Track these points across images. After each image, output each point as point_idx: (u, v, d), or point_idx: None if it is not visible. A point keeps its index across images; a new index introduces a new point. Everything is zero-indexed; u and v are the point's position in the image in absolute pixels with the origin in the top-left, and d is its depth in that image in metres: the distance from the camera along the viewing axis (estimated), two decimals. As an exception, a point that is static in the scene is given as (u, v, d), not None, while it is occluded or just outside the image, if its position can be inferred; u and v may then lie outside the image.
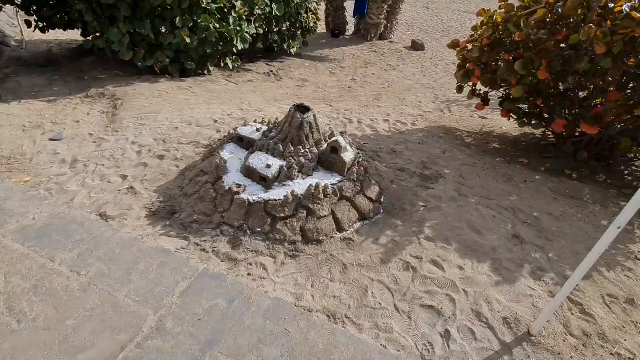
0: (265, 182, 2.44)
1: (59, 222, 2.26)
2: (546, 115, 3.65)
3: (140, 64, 5.14)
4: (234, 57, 5.91)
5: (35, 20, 5.67)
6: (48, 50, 6.88)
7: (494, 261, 2.29)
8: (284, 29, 7.10)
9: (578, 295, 2.12)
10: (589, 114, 2.97)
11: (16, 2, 5.37)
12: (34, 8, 5.55)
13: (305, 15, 7.05)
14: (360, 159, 2.70)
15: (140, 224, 2.43)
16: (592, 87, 3.13)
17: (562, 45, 3.01)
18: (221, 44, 5.42)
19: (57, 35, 7.72)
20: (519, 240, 2.51)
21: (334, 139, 2.52)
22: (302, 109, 2.60)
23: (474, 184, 3.23)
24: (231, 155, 2.73)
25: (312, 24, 7.41)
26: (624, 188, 3.38)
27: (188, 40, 4.99)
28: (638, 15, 2.43)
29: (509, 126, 4.88)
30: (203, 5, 4.94)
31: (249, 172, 2.51)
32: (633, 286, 2.24)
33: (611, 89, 3.03)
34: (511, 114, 3.81)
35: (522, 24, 2.97)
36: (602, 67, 2.75)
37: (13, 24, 7.93)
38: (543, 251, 2.44)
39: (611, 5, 2.65)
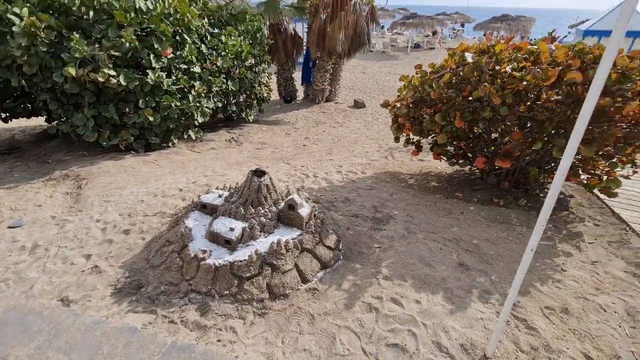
0: (229, 244, 2.39)
1: (15, 315, 2.02)
2: (469, 155, 4.00)
3: (105, 143, 5.03)
4: (196, 128, 5.99)
5: (-3, 112, 5.47)
6: (11, 137, 6.56)
7: (445, 291, 2.34)
8: (240, 100, 7.38)
9: (521, 311, 2.20)
10: (501, 151, 3.31)
11: (-23, 97, 5.19)
12: (-4, 101, 5.38)
13: (258, 87, 7.43)
14: (317, 212, 2.75)
15: (105, 303, 2.23)
16: (499, 129, 3.52)
17: (470, 98, 3.41)
18: (183, 118, 5.51)
19: (20, 122, 7.43)
20: (464, 267, 2.60)
21: (290, 197, 2.57)
22: (259, 173, 2.66)
23: (420, 220, 3.37)
24: (196, 223, 2.67)
25: (265, 94, 7.79)
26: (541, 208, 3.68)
27: (151, 118, 5.02)
28: (517, 74, 2.87)
29: (443, 166, 5.24)
30: (164, 88, 5.07)
31: (214, 237, 2.45)
32: (564, 296, 2.37)
33: (515, 129, 3.43)
34: (441, 156, 4.13)
35: (434, 86, 3.36)
36: (501, 114, 3.14)
37: (-26, 116, 7.56)
38: (486, 275, 2.54)
39: (497, 67, 3.11)
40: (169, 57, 5.16)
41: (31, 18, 4.17)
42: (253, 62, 7.15)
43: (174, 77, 5.29)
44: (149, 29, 5.03)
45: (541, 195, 4.03)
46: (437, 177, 4.85)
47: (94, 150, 5.43)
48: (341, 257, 2.64)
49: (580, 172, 3.36)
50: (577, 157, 3.21)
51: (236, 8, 6.83)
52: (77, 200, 3.77)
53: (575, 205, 3.82)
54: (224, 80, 6.12)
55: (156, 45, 4.98)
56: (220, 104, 6.31)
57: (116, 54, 4.68)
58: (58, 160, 5.11)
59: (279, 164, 5.36)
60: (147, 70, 4.91)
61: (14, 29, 4.10)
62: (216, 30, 6.53)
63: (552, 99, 2.86)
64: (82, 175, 4.41)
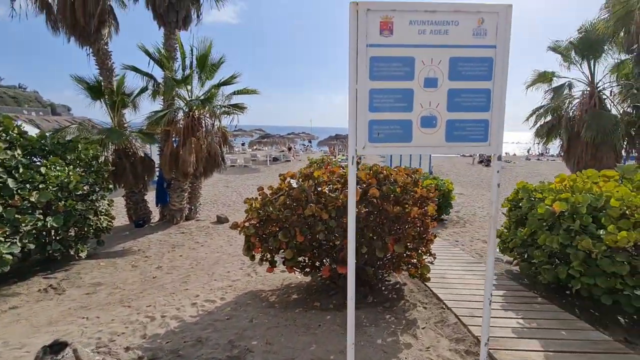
0: None
1: None
2: (318, 264, 4.27)
3: None
4: (-12, 284, 4.46)
5: None
6: None
7: None
8: (70, 234, 6.15)
9: None
10: (339, 258, 3.68)
11: None
12: None
13: (95, 217, 6.44)
14: (145, 378, 2.23)
15: None
16: (333, 238, 3.98)
17: (305, 215, 3.82)
18: (-36, 275, 4.06)
19: None
20: (322, 395, 2.46)
21: (103, 370, 2.02)
22: (58, 347, 2.05)
23: (280, 346, 3.17)
24: None
25: (105, 224, 6.78)
26: (385, 302, 4.10)
27: None
28: (333, 195, 3.46)
29: (301, 276, 5.40)
30: None
31: None
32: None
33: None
34: (294, 269, 4.26)
35: (271, 208, 3.65)
36: (331, 226, 3.59)
37: None
38: (343, 396, 2.46)
39: (319, 189, 3.69)
40: (-53, 198, 4.00)
41: None
42: (87, 190, 6.31)
43: (-47, 223, 4.04)
44: None
45: (383, 288, 4.54)
46: (297, 288, 4.89)
47: None
48: None
49: (402, 264, 4.02)
50: (395, 253, 3.86)
51: (65, 136, 6.23)
52: None
53: (408, 292, 4.43)
54: (41, 216, 5.07)
55: None
56: (33, 245, 5.05)
57: None
58: None
59: (116, 310, 4.38)
60: None
61: None
62: (38, 161, 5.68)
63: (363, 211, 3.51)
64: None
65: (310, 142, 36.65)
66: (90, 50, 9.65)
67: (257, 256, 4.59)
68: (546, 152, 33.53)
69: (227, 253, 7.27)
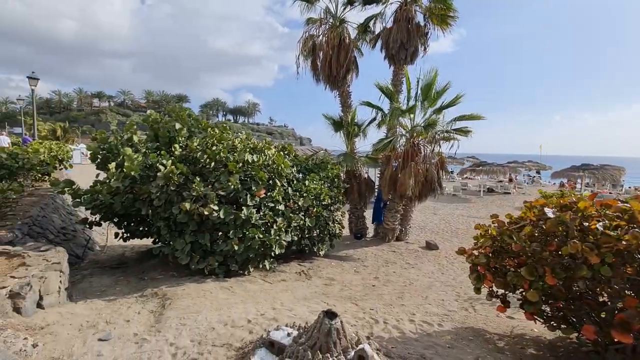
0: (292, 395, 2.22)
1: None
2: (573, 319, 3.39)
3: (193, 266, 5.64)
4: (271, 259, 6.41)
5: (122, 232, 6.75)
6: (122, 253, 7.81)
7: None
8: (314, 235, 7.90)
9: None
10: (615, 320, 2.78)
11: (114, 220, 6.58)
12: (125, 224, 6.74)
13: (332, 224, 7.98)
14: (389, 369, 2.48)
15: None
16: (605, 292, 3.05)
17: (559, 253, 3.16)
18: (262, 249, 6.03)
19: (132, 241, 8.91)
20: None
21: (360, 346, 2.43)
22: (330, 315, 2.65)
23: (519, 401, 2.72)
24: (261, 362, 2.61)
25: (337, 231, 8.25)
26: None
27: (236, 247, 5.63)
28: (612, 233, 2.68)
29: (541, 328, 4.43)
30: (252, 222, 5.84)
31: (277, 383, 2.33)
32: None
33: (629, 294, 2.92)
34: (535, 317, 3.58)
35: (514, 237, 3.26)
36: (603, 274, 2.79)
37: (102, 233, 9.36)
38: None
39: (586, 224, 2.96)
40: (261, 197, 6.13)
41: (171, 167, 5.59)
42: (329, 202, 7.94)
43: (261, 213, 6.13)
44: (250, 175, 6.24)
45: (696, 390, 3.00)
46: (534, 343, 4.06)
47: (182, 271, 6.06)
48: None
49: None
50: None
51: (319, 158, 8.16)
52: (158, 320, 4.05)
53: None
54: (303, 217, 6.81)
55: (253, 188, 6.04)
56: (295, 238, 6.83)
57: (222, 193, 5.77)
58: (152, 278, 5.78)
59: (346, 304, 5.17)
60: (242, 207, 5.83)
61: (158, 174, 5.52)
62: (301, 176, 7.74)
63: (667, 262, 2.51)
64: (168, 295, 4.84)
65: (539, 172, 30.21)
66: (337, 93, 12.31)
67: (484, 290, 4.21)
68: None
69: (440, 281, 7.06)
